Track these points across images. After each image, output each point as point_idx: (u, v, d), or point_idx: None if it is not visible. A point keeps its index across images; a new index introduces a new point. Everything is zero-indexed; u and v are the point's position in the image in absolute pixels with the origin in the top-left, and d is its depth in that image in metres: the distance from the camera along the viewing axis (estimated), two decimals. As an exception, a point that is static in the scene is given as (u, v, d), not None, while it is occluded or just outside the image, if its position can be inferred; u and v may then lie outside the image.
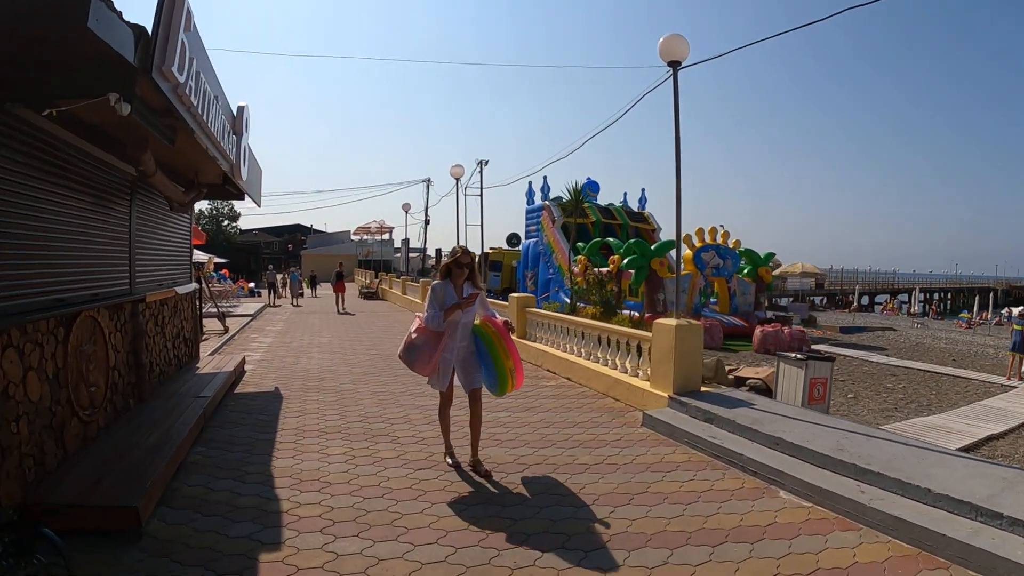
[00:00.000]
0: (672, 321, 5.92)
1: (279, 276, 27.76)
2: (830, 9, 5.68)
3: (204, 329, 12.16)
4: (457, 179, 16.53)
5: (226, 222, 60.52)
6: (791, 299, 33.17)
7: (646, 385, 6.29)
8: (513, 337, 5.06)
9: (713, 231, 17.11)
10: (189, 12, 3.20)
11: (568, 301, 15.99)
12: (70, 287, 4.07)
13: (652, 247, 16.52)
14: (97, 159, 4.48)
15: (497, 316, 4.43)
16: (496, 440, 5.12)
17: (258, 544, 3.18)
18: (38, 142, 3.57)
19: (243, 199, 7.78)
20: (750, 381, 8.20)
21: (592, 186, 21.97)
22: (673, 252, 16.62)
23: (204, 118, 3.92)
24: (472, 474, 4.27)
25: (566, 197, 19.77)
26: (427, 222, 30.99)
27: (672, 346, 5.81)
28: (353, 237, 48.95)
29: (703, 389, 6.01)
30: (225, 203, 57.26)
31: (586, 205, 19.43)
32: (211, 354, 9.23)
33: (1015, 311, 33.41)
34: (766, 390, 7.73)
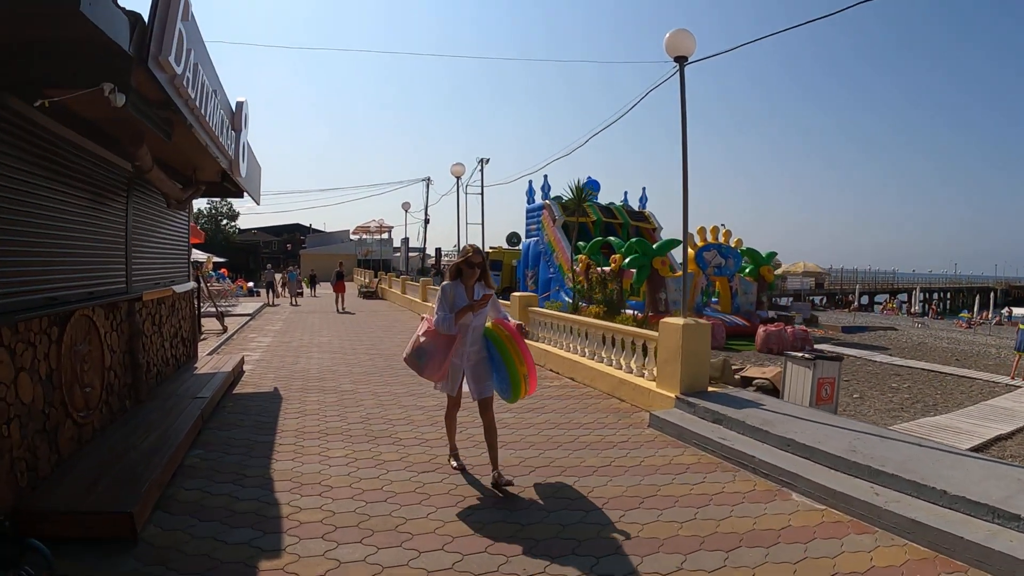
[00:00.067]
0: (679, 320, 5.82)
1: (278, 276, 27.63)
2: (830, 9, 5.60)
3: (203, 329, 12.05)
4: (458, 177, 16.44)
5: (225, 221, 60.32)
6: (791, 299, 33.11)
7: (652, 385, 6.19)
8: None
9: (715, 230, 17.03)
10: (187, 0, 3.10)
11: (569, 300, 15.88)
12: (64, 285, 3.96)
13: (654, 246, 16.43)
14: (93, 154, 4.37)
15: (509, 319, 4.24)
16: (501, 442, 4.95)
17: (258, 551, 3.07)
18: (31, 136, 3.46)
19: (242, 197, 7.68)
20: (757, 381, 8.10)
21: (593, 185, 21.84)
22: (674, 251, 16.55)
23: (202, 112, 3.81)
24: (495, 491, 3.96)
25: (567, 196, 19.67)
26: (427, 221, 30.87)
27: (679, 345, 5.72)
28: (352, 236, 48.84)
29: (710, 389, 5.91)
30: (224, 202, 57.12)
31: (587, 204, 19.31)
32: (209, 354, 9.12)
33: (1015, 311, 33.43)
34: (773, 390, 7.63)
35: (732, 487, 4.15)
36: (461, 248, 4.21)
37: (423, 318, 4.21)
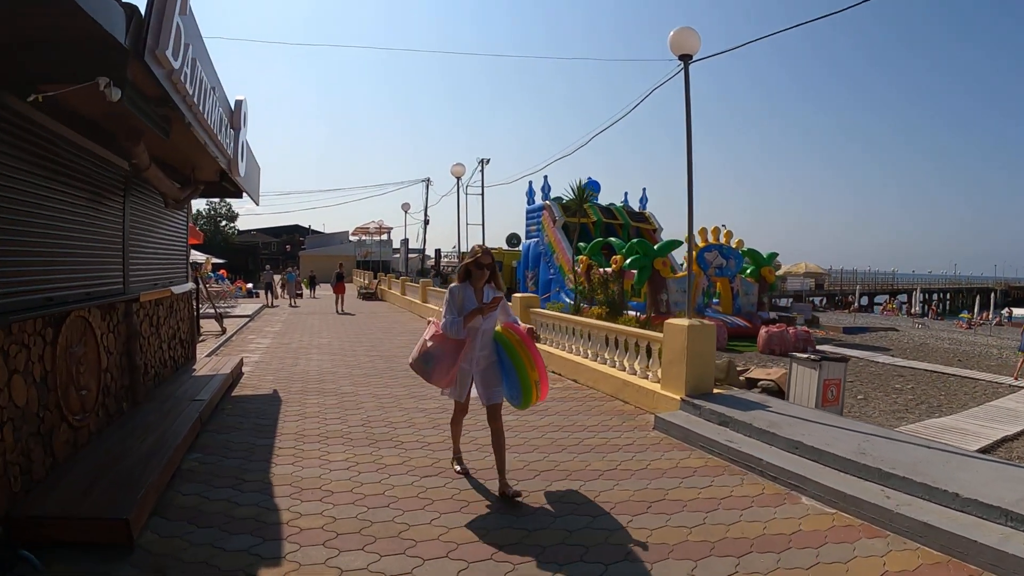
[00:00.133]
0: (684, 321, 5.75)
1: (277, 277, 27.54)
2: (830, 8, 5.55)
3: (202, 330, 11.96)
4: (458, 178, 16.36)
5: (224, 222, 60.21)
6: (791, 299, 33.07)
7: (656, 387, 6.12)
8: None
9: (716, 231, 16.97)
10: (184, -7, 3.03)
11: (570, 302, 15.81)
12: (59, 286, 3.87)
13: (655, 247, 16.37)
14: (89, 152, 4.29)
15: (520, 322, 4.11)
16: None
17: (257, 559, 2.99)
18: (26, 133, 3.37)
19: (240, 197, 7.60)
20: (762, 383, 8.03)
21: (593, 186, 21.80)
22: (675, 252, 16.48)
23: (200, 108, 3.74)
24: (503, 500, 3.82)
25: (567, 197, 19.62)
26: (426, 222, 30.81)
27: (684, 347, 5.65)
28: (351, 238, 48.74)
29: (715, 391, 5.84)
30: (223, 203, 56.98)
31: (587, 205, 19.26)
32: (208, 355, 9.03)
33: (1016, 311, 33.40)
34: (778, 392, 7.56)
35: (740, 491, 4.08)
36: (470, 249, 4.07)
37: (430, 322, 4.07)
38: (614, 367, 7.09)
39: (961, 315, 33.64)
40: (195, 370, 7.24)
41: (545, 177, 23.53)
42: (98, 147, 4.36)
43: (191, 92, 3.43)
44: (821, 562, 3.10)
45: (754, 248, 18.08)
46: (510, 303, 10.13)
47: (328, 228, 61.31)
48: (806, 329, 14.80)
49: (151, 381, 6.00)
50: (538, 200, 22.77)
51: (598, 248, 18.39)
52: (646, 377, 6.50)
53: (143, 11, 2.65)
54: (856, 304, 38.47)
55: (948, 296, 55.26)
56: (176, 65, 2.99)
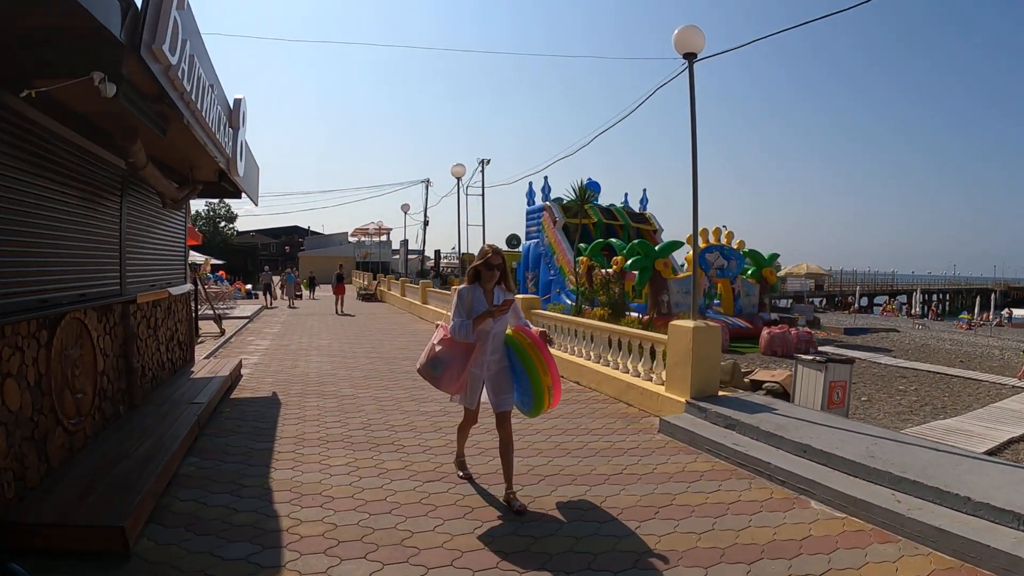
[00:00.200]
0: (689, 323, 5.68)
1: (276, 278, 27.46)
2: (830, 8, 5.51)
3: (200, 332, 11.88)
4: (458, 178, 16.29)
5: (223, 223, 60.15)
6: (790, 300, 33.02)
7: (661, 389, 6.04)
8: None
9: (717, 232, 16.91)
10: (182, -13, 2.95)
11: (571, 303, 15.75)
12: (54, 287, 3.79)
13: (656, 248, 16.31)
14: (85, 151, 4.21)
15: (531, 325, 3.96)
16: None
17: (256, 568, 2.91)
18: (19, 130, 3.29)
19: (240, 197, 7.52)
20: (767, 385, 7.96)
21: (593, 186, 21.76)
22: (676, 253, 16.41)
23: (198, 106, 3.66)
24: (509, 510, 3.70)
25: (567, 198, 19.55)
26: (426, 223, 30.77)
27: (690, 349, 5.57)
28: (351, 239, 48.69)
29: (720, 393, 5.77)
30: (222, 204, 56.93)
31: (588, 206, 19.22)
32: (206, 357, 8.95)
33: (1016, 312, 33.33)
34: (783, 394, 7.49)
35: (749, 495, 4.01)
36: (479, 249, 3.91)
37: (439, 325, 3.93)
38: (617, 369, 7.01)
39: (961, 316, 33.62)
40: (193, 372, 7.16)
41: (545, 178, 23.51)
42: (94, 145, 4.28)
43: (189, 89, 3.36)
44: (833, 568, 3.03)
45: (755, 249, 18.02)
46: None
47: (327, 229, 61.32)
48: (808, 330, 14.73)
49: (148, 384, 5.91)
50: (538, 201, 22.72)
51: (598, 249, 18.33)
52: (650, 379, 6.42)
53: (139, 5, 2.57)
54: (856, 305, 38.42)
55: (947, 297, 55.24)
56: (173, 61, 2.92)
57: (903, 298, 46.94)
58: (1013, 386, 10.95)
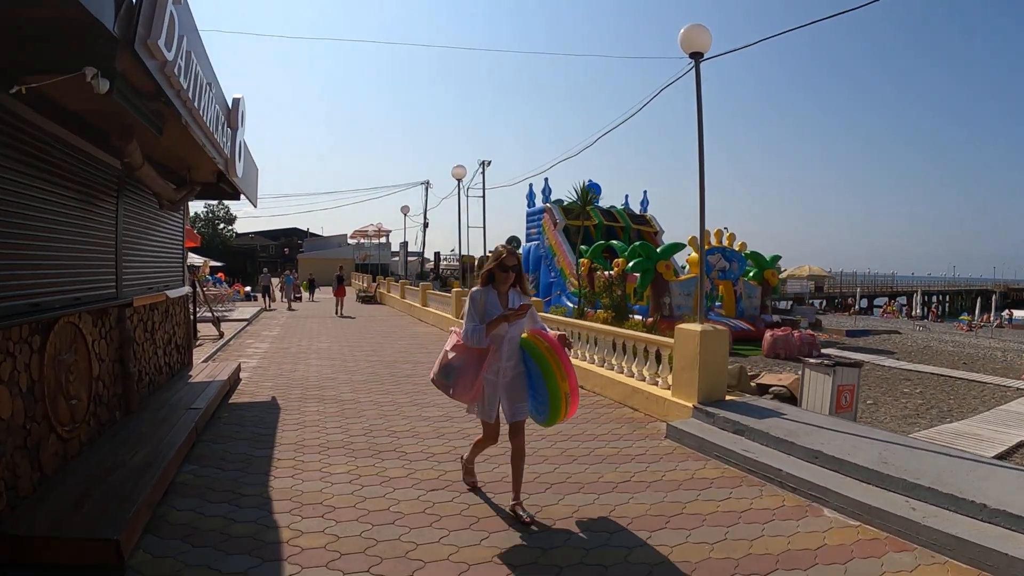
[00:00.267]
0: (696, 326, 5.59)
1: (275, 280, 27.36)
2: (832, 9, 5.43)
3: (199, 334, 11.77)
4: (459, 180, 16.20)
5: (222, 225, 60.05)
6: (790, 302, 32.94)
7: (667, 394, 5.94)
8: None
9: (719, 233, 16.85)
10: (179, -18, 2.86)
11: (572, 305, 15.66)
12: (47, 290, 3.68)
13: (658, 250, 16.23)
14: (79, 150, 4.10)
15: (548, 329, 3.74)
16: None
17: (256, 582, 2.81)
18: (11, 128, 3.19)
19: (238, 199, 7.43)
20: (774, 388, 7.87)
21: (594, 188, 21.71)
22: (677, 255, 16.32)
23: (195, 104, 3.56)
24: (516, 521, 3.59)
25: (568, 199, 19.48)
26: (426, 225, 30.68)
27: (697, 353, 5.47)
28: (350, 240, 48.58)
29: (728, 398, 5.67)
30: (220, 205, 56.87)
31: (589, 207, 19.16)
32: (205, 361, 8.84)
33: (1016, 313, 33.25)
34: (791, 398, 7.40)
35: (760, 503, 3.92)
36: (493, 250, 3.76)
37: (452, 331, 3.76)
38: (622, 373, 6.91)
39: (961, 317, 33.56)
40: (191, 376, 7.05)
41: (546, 179, 23.45)
42: (89, 145, 4.18)
43: (186, 87, 3.26)
44: (850, 579, 2.93)
45: (757, 251, 17.96)
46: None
47: (326, 231, 61.17)
48: (811, 332, 14.66)
49: (145, 388, 5.81)
50: (538, 203, 22.65)
51: (599, 251, 18.25)
52: (655, 383, 6.32)
53: (134, -2, 2.48)
54: (856, 307, 38.37)
55: (947, 298, 55.17)
56: (169, 57, 2.82)
57: (903, 299, 46.90)
58: (1018, 388, 10.88)
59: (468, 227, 19.18)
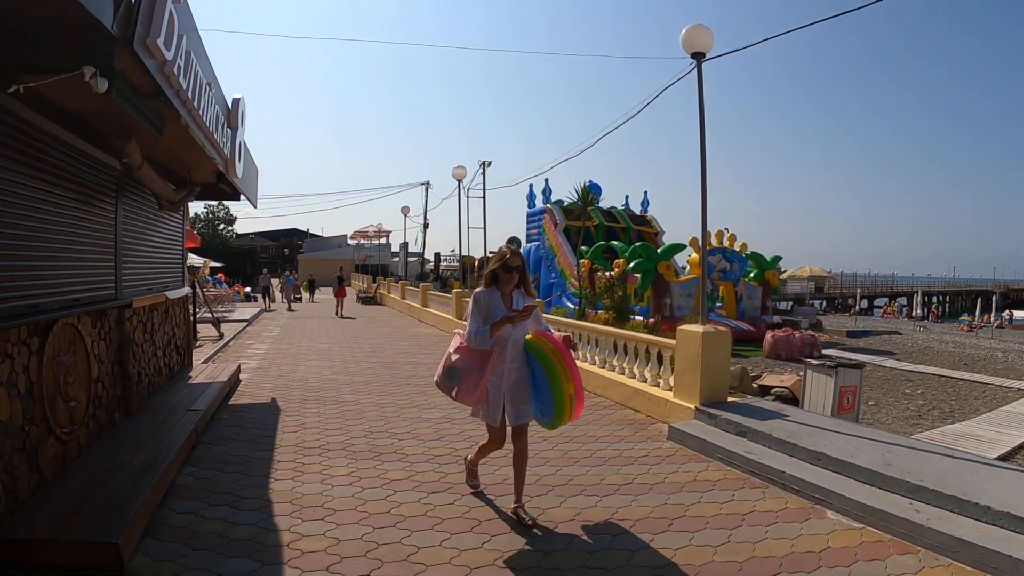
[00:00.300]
0: (698, 328, 5.57)
1: (275, 281, 27.35)
2: (833, 9, 5.42)
3: (199, 335, 11.75)
4: (459, 180, 16.17)
5: (222, 225, 60.04)
6: (790, 303, 32.93)
7: (669, 395, 5.92)
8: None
9: (720, 234, 16.82)
10: (178, -20, 2.83)
11: (572, 306, 15.64)
12: (46, 291, 3.66)
13: (658, 251, 16.21)
14: (78, 150, 4.08)
15: (553, 331, 3.68)
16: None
17: (256, 586, 2.78)
18: (9, 128, 3.17)
19: (238, 199, 7.40)
20: (775, 390, 7.84)
21: (594, 189, 21.70)
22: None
23: (195, 104, 3.54)
24: (518, 523, 3.56)
25: (568, 200, 19.45)
26: (426, 226, 30.66)
27: (699, 354, 5.45)
28: (350, 241, 48.56)
29: (730, 399, 5.65)
30: (220, 206, 56.87)
31: (589, 208, 19.14)
32: (204, 362, 8.82)
33: (1016, 314, 33.20)
34: (792, 399, 7.38)
35: (763, 505, 3.90)
36: (497, 250, 3.68)
37: (456, 333, 3.66)
38: (623, 374, 6.89)
39: (962, 318, 33.53)
40: (191, 377, 7.03)
41: (546, 180, 23.43)
42: (88, 145, 4.16)
43: (185, 87, 3.24)
44: (854, 582, 2.92)
45: (757, 251, 17.94)
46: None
47: (326, 232, 61.19)
48: (812, 333, 14.63)
49: (145, 390, 5.78)
50: (539, 204, 22.63)
51: (600, 252, 18.23)
52: (657, 385, 6.30)
53: (133, -3, 2.45)
54: (856, 307, 38.34)
55: (947, 299, 55.13)
56: (169, 56, 2.79)
57: (903, 300, 46.87)
58: (1019, 389, 10.86)
59: (468, 228, 19.12)
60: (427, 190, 30.86)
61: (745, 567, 3.06)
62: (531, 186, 23.28)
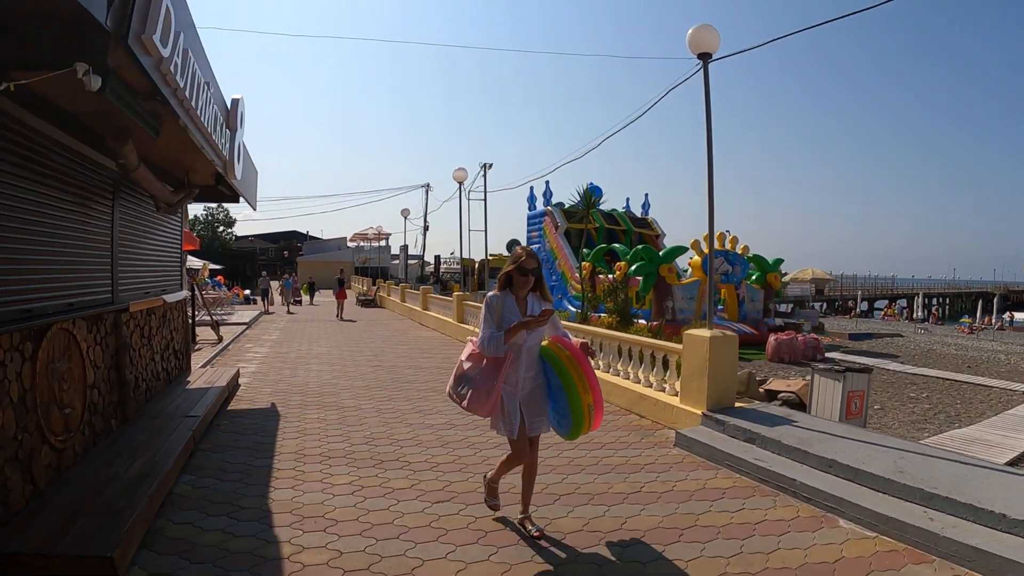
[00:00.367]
0: (705, 332, 5.47)
1: (274, 283, 27.24)
2: (834, 11, 5.35)
3: (198, 338, 11.64)
4: (460, 183, 16.08)
5: (221, 228, 59.92)
6: (791, 305, 32.85)
7: (675, 401, 5.82)
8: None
9: (721, 237, 16.73)
10: (175, -24, 2.75)
11: (574, 310, 15.55)
12: (40, 296, 3.56)
13: (660, 253, 16.13)
14: (73, 151, 3.99)
15: (570, 336, 3.48)
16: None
17: (255, 603, 2.69)
18: (3, 129, 3.08)
19: (237, 201, 7.32)
20: (782, 395, 7.74)
21: (595, 191, 21.62)
22: (679, 259, 16.21)
23: (192, 104, 3.45)
24: (525, 534, 3.44)
25: (569, 202, 19.38)
26: (426, 228, 30.58)
27: (706, 359, 5.35)
28: (350, 243, 48.49)
29: (737, 405, 5.55)
30: (220, 208, 56.75)
31: (591, 210, 19.05)
32: (203, 366, 8.71)
33: (1017, 315, 33.12)
34: (799, 404, 7.29)
35: (774, 514, 3.80)
36: (512, 252, 3.48)
37: (469, 340, 3.48)
38: (628, 379, 6.79)
39: (963, 320, 33.45)
40: (189, 382, 6.93)
41: (547, 183, 23.34)
42: (83, 146, 4.07)
43: (183, 86, 3.15)
44: (870, 594, 2.84)
45: (759, 254, 17.85)
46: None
47: (326, 234, 61.14)
48: (815, 336, 14.55)
49: (142, 396, 5.68)
50: (539, 206, 22.53)
51: (601, 254, 18.15)
52: (663, 390, 6.21)
53: (128, -9, 2.36)
54: (856, 310, 38.27)
55: (948, 301, 55.06)
56: (165, 54, 2.71)
57: (903, 302, 46.80)
58: (1023, 392, 10.79)
59: (469, 230, 18.97)
60: (427, 192, 30.83)
61: (759, 580, 2.98)
62: (532, 188, 23.17)
